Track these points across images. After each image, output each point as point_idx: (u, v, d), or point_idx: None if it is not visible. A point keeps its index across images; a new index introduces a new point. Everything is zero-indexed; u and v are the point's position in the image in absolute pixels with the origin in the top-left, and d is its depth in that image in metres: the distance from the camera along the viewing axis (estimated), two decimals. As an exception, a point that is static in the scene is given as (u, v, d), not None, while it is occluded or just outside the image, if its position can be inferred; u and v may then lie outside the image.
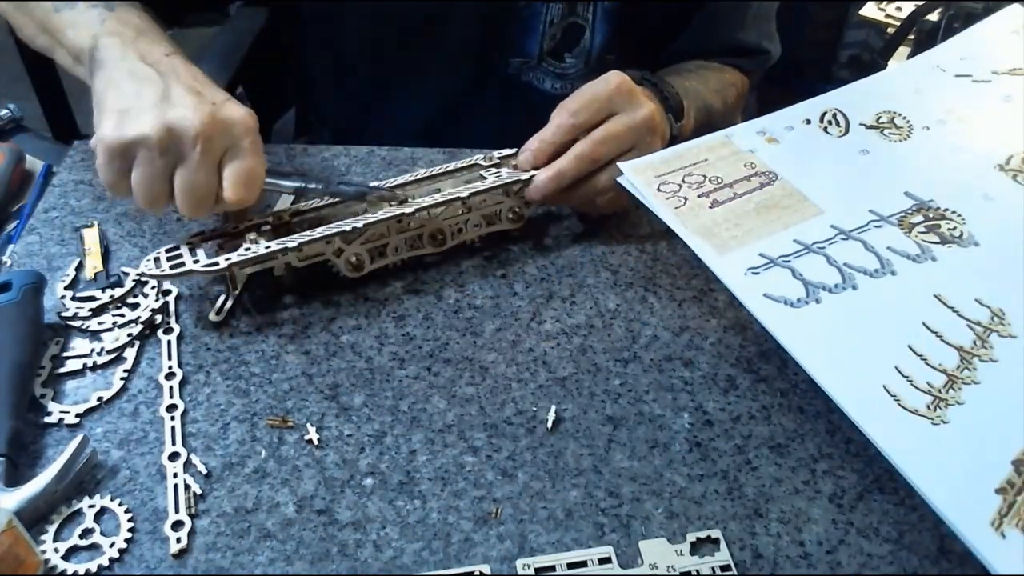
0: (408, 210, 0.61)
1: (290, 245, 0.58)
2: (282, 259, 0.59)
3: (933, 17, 1.76)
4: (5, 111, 0.91)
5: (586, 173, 0.64)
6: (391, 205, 0.62)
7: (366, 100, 0.88)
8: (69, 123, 1.20)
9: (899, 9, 1.82)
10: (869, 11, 1.83)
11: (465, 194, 0.63)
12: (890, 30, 1.79)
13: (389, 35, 0.80)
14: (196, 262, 0.57)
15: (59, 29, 0.63)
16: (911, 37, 1.78)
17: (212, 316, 0.59)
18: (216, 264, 0.57)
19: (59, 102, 1.18)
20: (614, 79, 0.65)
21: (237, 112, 0.56)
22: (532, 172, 0.64)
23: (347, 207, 0.63)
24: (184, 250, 0.59)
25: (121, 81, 0.57)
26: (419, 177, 0.66)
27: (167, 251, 0.59)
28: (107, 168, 0.55)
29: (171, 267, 0.57)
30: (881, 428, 0.48)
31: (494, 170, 0.66)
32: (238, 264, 0.58)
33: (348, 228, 0.59)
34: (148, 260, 0.58)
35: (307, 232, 0.59)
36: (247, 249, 0.58)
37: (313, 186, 0.61)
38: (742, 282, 0.55)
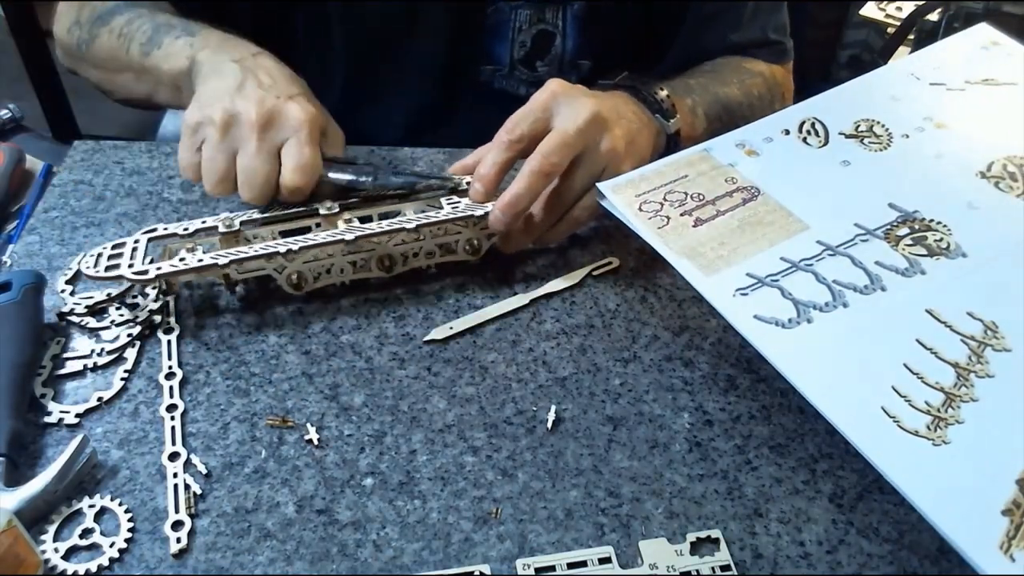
0: (348, 237, 0.59)
1: (221, 261, 0.57)
2: (219, 271, 0.58)
3: (933, 17, 1.76)
4: (5, 111, 0.91)
5: (541, 189, 0.61)
6: (439, 193, 0.64)
7: (342, 110, 0.88)
8: (69, 123, 1.20)
9: (899, 9, 1.82)
10: (869, 11, 1.84)
11: (412, 225, 0.60)
12: (890, 30, 1.80)
13: (360, 46, 0.79)
14: (131, 267, 0.57)
15: (156, 68, 0.69)
16: (911, 37, 1.78)
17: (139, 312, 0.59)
18: (146, 272, 0.57)
19: (59, 102, 1.17)
20: (549, 86, 0.63)
21: (296, 108, 0.60)
22: (487, 206, 0.61)
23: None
24: (128, 248, 0.59)
25: (210, 76, 0.63)
26: (385, 194, 0.64)
27: (112, 247, 0.59)
28: (183, 146, 0.61)
29: (106, 268, 0.57)
30: (883, 452, 0.47)
31: (456, 198, 0.64)
32: (169, 274, 0.57)
33: (283, 250, 0.58)
34: (90, 256, 0.58)
35: (245, 248, 0.59)
36: (181, 260, 0.58)
37: (364, 179, 0.63)
38: (731, 304, 0.54)
